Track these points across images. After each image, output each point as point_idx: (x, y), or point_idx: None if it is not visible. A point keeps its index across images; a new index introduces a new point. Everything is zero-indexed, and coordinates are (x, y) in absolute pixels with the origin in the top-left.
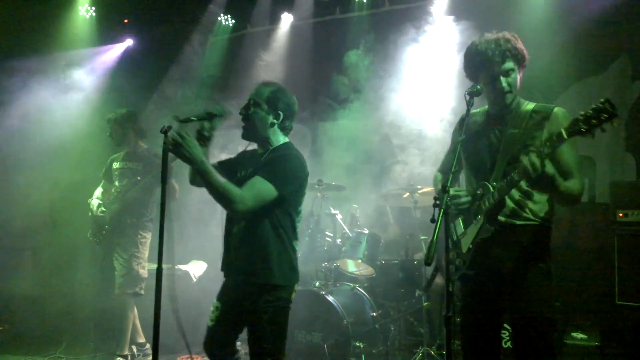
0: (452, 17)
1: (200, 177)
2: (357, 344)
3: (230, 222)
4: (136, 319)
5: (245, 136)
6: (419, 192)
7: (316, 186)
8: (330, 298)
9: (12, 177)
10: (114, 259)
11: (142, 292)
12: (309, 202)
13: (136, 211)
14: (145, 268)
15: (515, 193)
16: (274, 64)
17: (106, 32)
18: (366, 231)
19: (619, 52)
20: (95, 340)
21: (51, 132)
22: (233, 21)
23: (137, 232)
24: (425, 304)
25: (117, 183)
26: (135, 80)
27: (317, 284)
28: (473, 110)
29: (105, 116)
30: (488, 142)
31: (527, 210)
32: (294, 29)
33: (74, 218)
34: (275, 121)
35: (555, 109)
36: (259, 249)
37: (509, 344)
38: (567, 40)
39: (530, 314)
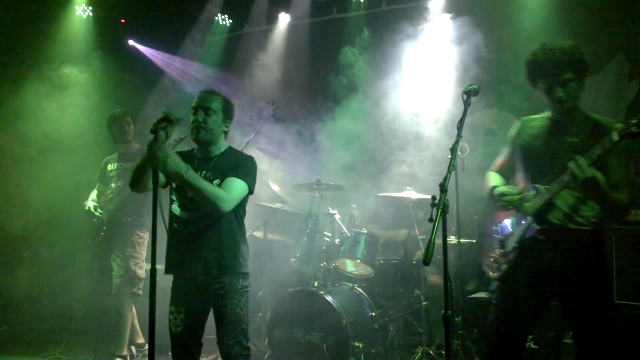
0: (449, 15)
1: (186, 185)
2: (356, 343)
3: (182, 224)
4: (135, 319)
5: (201, 141)
6: (417, 197)
7: (314, 186)
8: (329, 298)
9: (10, 175)
10: (111, 260)
11: (140, 292)
12: (307, 202)
13: (133, 210)
14: (143, 268)
15: (570, 198)
16: (271, 64)
17: (103, 32)
18: (364, 231)
19: (615, 51)
20: (93, 341)
21: (47, 130)
22: (230, 21)
23: (134, 232)
24: (424, 303)
25: (113, 185)
26: (132, 80)
27: (316, 284)
28: (535, 115)
29: (101, 116)
30: (547, 147)
31: (581, 215)
32: (291, 28)
33: (73, 217)
34: (225, 129)
35: (617, 125)
36: (228, 242)
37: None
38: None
39: (590, 317)
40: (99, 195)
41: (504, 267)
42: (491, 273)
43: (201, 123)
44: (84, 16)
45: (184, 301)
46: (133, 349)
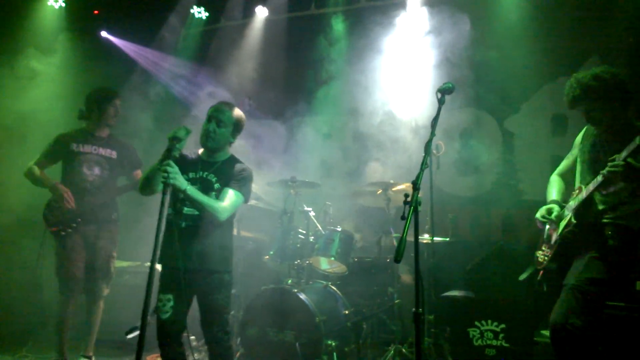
0: (427, 13)
1: (188, 199)
2: (329, 342)
3: (185, 220)
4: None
5: (209, 148)
6: (392, 189)
7: (289, 183)
8: (302, 296)
9: None
10: (87, 255)
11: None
12: (282, 199)
13: (117, 206)
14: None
15: (608, 197)
16: (247, 59)
17: (76, 23)
18: (339, 229)
19: (590, 52)
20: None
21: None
22: (207, 14)
23: (118, 230)
24: (397, 301)
25: (85, 170)
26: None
27: (290, 281)
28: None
29: (70, 108)
30: (595, 152)
31: (618, 211)
32: (269, 23)
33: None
34: (231, 140)
35: None
36: (225, 240)
37: (479, 341)
38: (540, 40)
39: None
40: (37, 169)
41: (547, 259)
42: (537, 264)
43: (211, 133)
44: (56, 6)
45: (173, 289)
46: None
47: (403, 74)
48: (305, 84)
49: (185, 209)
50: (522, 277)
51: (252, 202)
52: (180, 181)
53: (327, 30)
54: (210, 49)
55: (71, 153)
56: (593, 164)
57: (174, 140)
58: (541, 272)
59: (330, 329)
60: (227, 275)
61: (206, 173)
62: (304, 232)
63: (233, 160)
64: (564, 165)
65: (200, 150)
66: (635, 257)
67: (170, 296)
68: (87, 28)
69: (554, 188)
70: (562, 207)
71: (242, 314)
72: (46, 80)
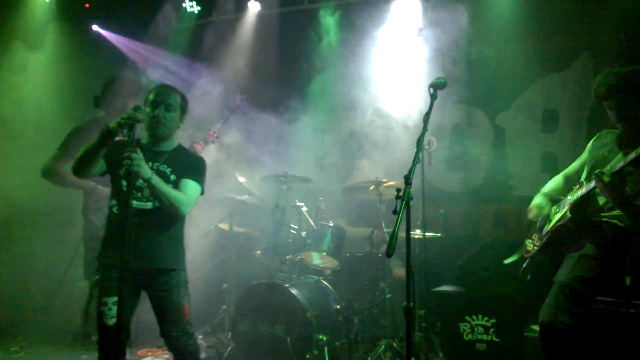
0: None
1: (150, 187)
2: (320, 336)
3: (125, 210)
4: None
5: (160, 137)
6: (384, 185)
7: (282, 178)
8: (293, 291)
9: None
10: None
11: None
12: (274, 194)
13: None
14: None
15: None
16: (239, 54)
17: (66, 16)
18: (331, 224)
19: (581, 49)
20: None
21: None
22: (199, 8)
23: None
24: (389, 296)
25: None
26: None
27: (281, 276)
28: (613, 129)
29: (60, 102)
30: (605, 155)
31: (614, 210)
32: (261, 17)
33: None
34: (180, 125)
35: None
36: (178, 236)
37: (470, 336)
38: (532, 36)
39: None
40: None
41: (536, 249)
42: (524, 253)
43: (161, 119)
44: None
45: (116, 291)
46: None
47: (396, 69)
48: (298, 79)
49: (135, 202)
50: (507, 261)
51: (243, 197)
52: (145, 169)
53: (319, 24)
54: (202, 44)
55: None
56: (602, 161)
57: (135, 120)
58: (527, 260)
59: (322, 323)
60: (184, 273)
61: (157, 164)
62: (296, 227)
63: (182, 149)
64: (571, 167)
65: (141, 138)
66: (624, 256)
67: (114, 299)
68: (78, 21)
69: (552, 183)
70: (552, 201)
71: (233, 308)
72: (36, 74)
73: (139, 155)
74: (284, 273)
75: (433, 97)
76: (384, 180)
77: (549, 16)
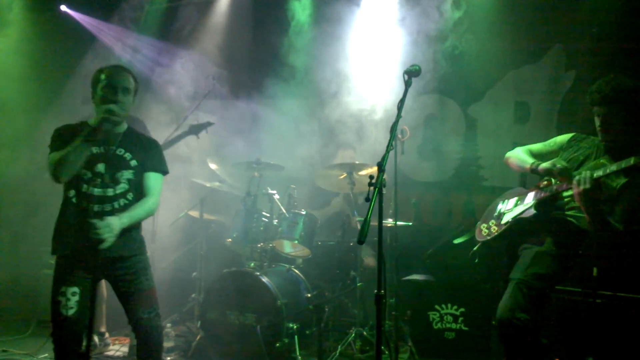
0: None
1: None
2: (291, 324)
3: (95, 202)
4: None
5: (118, 122)
6: (357, 173)
7: (254, 165)
8: (264, 279)
9: None
10: None
11: None
12: (246, 181)
13: None
14: None
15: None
16: (212, 37)
17: None
18: (303, 212)
19: (554, 41)
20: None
21: None
22: None
23: None
24: (359, 284)
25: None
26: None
27: (252, 264)
28: (590, 135)
29: (28, 84)
30: (582, 160)
31: (577, 209)
32: (235, 1)
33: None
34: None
35: None
36: (135, 226)
37: (439, 325)
38: (505, 28)
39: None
40: None
41: (492, 235)
42: (477, 237)
43: (119, 103)
44: None
45: (79, 281)
46: (96, 338)
47: (370, 57)
48: (272, 65)
49: (95, 189)
50: (457, 241)
51: (214, 184)
52: (114, 230)
53: (293, 10)
54: (173, 26)
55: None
56: (576, 164)
57: (116, 116)
58: (479, 244)
59: (292, 312)
60: (146, 256)
61: (112, 147)
62: (268, 215)
63: (132, 130)
64: (537, 147)
65: (88, 120)
66: (577, 253)
67: (76, 289)
68: (45, 1)
69: (523, 152)
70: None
71: (203, 297)
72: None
73: (104, 225)
74: (255, 261)
75: (407, 83)
76: (357, 162)
77: (522, 9)
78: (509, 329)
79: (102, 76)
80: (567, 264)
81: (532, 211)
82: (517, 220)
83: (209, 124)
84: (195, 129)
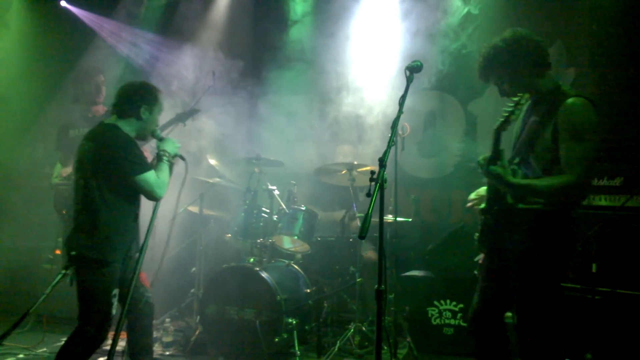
0: None
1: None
2: (290, 320)
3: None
4: None
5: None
6: (357, 170)
7: (254, 161)
8: (264, 274)
9: None
10: None
11: None
12: (245, 177)
13: None
14: None
15: (521, 179)
16: (212, 32)
17: None
18: (303, 208)
19: (554, 38)
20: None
21: None
22: None
23: None
24: (359, 280)
25: None
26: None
27: (252, 260)
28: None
29: (29, 81)
30: (520, 128)
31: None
32: None
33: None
34: None
35: (569, 101)
36: None
37: (438, 320)
38: (504, 24)
39: (522, 295)
40: (61, 167)
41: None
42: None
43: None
44: None
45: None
46: None
47: (371, 54)
48: (272, 60)
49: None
50: (477, 258)
51: (214, 179)
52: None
53: (294, 6)
54: (174, 22)
55: (71, 140)
56: (515, 143)
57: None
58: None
59: (291, 307)
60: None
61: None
62: (268, 210)
63: None
64: None
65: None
66: (552, 241)
67: (116, 291)
68: None
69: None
70: None
71: (202, 292)
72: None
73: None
74: (255, 256)
75: (409, 79)
76: (355, 162)
77: (522, 5)
78: (482, 324)
79: (161, 98)
80: (538, 256)
81: (484, 206)
82: (484, 223)
83: (195, 111)
84: (182, 117)
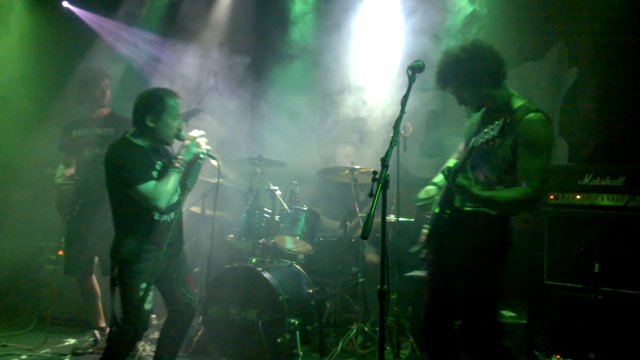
0: None
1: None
2: (292, 320)
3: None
4: (99, 300)
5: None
6: (359, 170)
7: (256, 161)
8: (266, 275)
9: None
10: (88, 236)
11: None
12: (248, 177)
13: None
14: None
15: (483, 191)
16: (214, 32)
17: None
18: (305, 208)
19: (557, 37)
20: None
21: None
22: None
23: None
24: (361, 280)
25: (87, 152)
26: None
27: (254, 260)
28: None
29: (30, 82)
30: (474, 133)
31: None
32: None
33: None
34: None
35: (528, 117)
36: None
37: None
38: (507, 24)
39: (466, 288)
40: (64, 167)
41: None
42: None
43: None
44: None
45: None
46: (97, 333)
47: (373, 54)
48: (275, 61)
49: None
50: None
51: (216, 179)
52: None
53: (296, 7)
54: (176, 22)
55: (74, 140)
56: (467, 146)
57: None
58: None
59: (294, 307)
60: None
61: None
62: (270, 211)
63: None
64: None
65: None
66: (498, 244)
67: (151, 286)
68: None
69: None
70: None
71: (205, 292)
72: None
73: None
74: (257, 257)
75: (411, 79)
76: (358, 167)
77: (524, 5)
78: (434, 327)
79: (172, 102)
80: (487, 258)
81: (436, 210)
82: (434, 227)
83: (198, 110)
84: (184, 117)
